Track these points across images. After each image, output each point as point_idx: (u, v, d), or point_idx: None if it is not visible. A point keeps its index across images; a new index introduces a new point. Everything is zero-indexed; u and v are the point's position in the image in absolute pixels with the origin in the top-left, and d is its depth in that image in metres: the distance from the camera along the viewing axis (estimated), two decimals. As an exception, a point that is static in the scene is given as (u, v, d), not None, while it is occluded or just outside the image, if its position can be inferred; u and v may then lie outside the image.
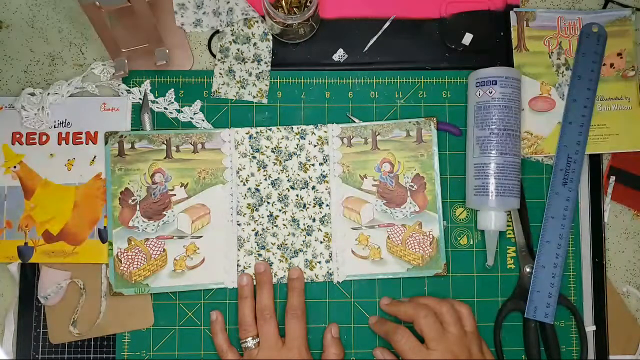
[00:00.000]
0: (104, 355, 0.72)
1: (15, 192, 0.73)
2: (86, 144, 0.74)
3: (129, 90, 0.75)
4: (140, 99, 0.74)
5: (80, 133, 0.74)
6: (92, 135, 0.74)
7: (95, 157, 0.74)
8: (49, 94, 0.74)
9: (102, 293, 0.72)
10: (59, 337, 0.72)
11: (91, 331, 0.71)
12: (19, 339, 0.72)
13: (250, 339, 0.69)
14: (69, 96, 0.75)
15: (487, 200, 0.70)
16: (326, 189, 0.73)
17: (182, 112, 0.75)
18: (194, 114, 0.74)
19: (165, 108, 0.75)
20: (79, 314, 0.72)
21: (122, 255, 0.72)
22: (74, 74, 0.75)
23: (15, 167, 0.74)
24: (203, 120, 0.74)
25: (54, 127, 0.74)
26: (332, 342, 0.70)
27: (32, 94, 0.74)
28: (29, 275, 0.73)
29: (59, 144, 0.74)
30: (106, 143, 0.73)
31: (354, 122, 0.74)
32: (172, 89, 0.75)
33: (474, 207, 0.72)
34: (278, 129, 0.73)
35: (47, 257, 0.72)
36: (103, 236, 0.73)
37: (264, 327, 0.69)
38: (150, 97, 0.75)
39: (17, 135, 0.74)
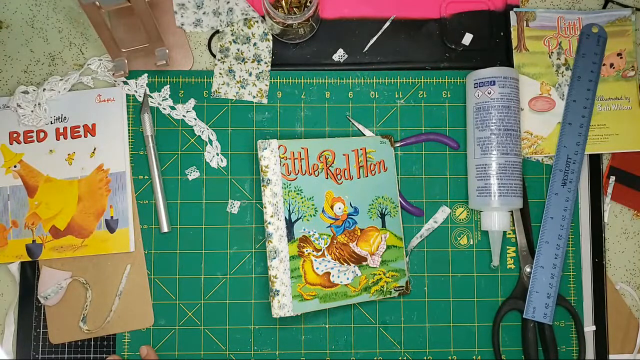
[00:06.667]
0: (104, 355, 0.72)
1: (18, 191, 0.73)
2: (85, 137, 0.74)
3: (125, 81, 0.75)
4: (135, 91, 0.74)
5: (78, 127, 0.74)
6: (90, 127, 0.74)
7: (95, 149, 0.74)
8: (44, 89, 0.73)
9: (118, 292, 0.72)
10: (59, 337, 0.72)
11: (93, 330, 0.72)
12: (19, 339, 0.72)
13: None
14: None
15: (490, 200, 0.70)
16: None
17: (175, 108, 0.75)
18: (187, 112, 0.74)
19: (159, 104, 0.75)
20: (88, 311, 0.72)
21: None
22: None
23: (15, 166, 0.74)
24: (195, 119, 0.74)
25: (51, 123, 0.74)
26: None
27: (26, 92, 0.74)
28: (29, 275, 0.73)
29: (57, 139, 0.74)
30: None
31: (354, 124, 0.74)
32: (168, 86, 0.75)
33: (477, 208, 0.72)
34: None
35: (56, 252, 0.72)
36: (111, 226, 0.73)
37: None
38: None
39: (15, 135, 0.74)
